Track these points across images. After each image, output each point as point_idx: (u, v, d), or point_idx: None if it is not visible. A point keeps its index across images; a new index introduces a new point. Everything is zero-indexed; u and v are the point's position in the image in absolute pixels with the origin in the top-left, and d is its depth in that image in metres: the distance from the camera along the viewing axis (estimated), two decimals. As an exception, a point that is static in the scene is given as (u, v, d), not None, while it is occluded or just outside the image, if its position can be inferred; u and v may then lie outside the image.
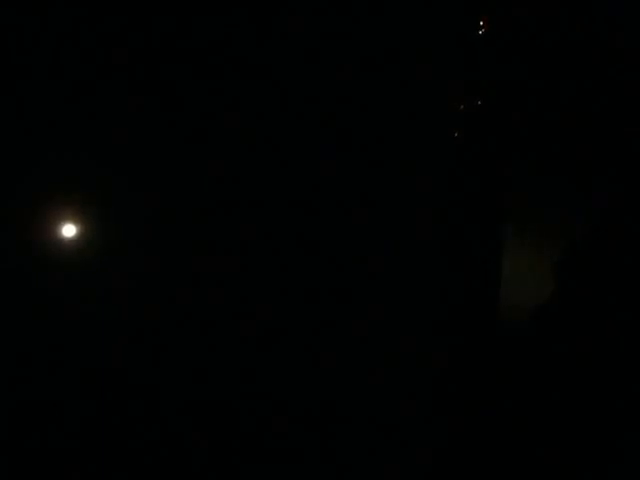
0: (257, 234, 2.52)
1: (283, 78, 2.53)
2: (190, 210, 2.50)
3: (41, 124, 2.44)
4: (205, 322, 2.49)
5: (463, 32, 2.52)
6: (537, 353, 2.37)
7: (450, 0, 2.52)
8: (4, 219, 2.42)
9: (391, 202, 2.53)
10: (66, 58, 2.44)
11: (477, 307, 2.48)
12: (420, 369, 2.45)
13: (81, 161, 2.47)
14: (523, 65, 2.53)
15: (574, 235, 2.47)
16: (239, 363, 2.49)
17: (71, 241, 2.47)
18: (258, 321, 2.50)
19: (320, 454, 2.45)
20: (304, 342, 2.49)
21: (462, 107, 2.53)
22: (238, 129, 2.52)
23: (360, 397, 2.47)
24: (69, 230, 2.46)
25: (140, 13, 2.48)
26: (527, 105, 2.55)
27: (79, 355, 2.45)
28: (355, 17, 2.54)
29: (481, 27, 2.51)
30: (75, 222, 2.47)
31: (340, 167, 2.54)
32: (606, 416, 2.24)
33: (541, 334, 2.39)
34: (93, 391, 2.44)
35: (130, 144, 2.48)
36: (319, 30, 2.54)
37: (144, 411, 2.46)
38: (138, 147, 2.49)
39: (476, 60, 2.53)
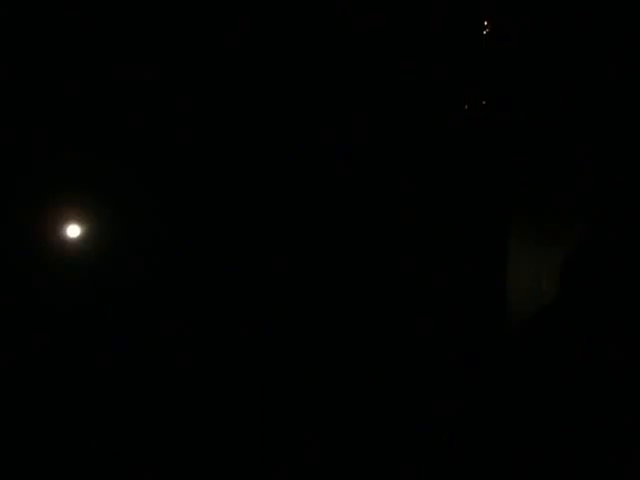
0: (259, 234, 2.52)
1: (284, 79, 2.52)
2: (194, 210, 2.50)
3: (43, 124, 2.42)
4: (208, 322, 2.49)
5: (466, 32, 2.52)
6: (539, 355, 2.40)
7: (453, 0, 2.51)
8: (6, 219, 2.41)
9: (391, 203, 2.54)
10: (69, 57, 2.42)
11: (478, 309, 2.50)
12: (421, 371, 2.48)
13: (83, 161, 2.45)
14: (525, 65, 2.54)
15: (575, 236, 2.49)
16: (240, 364, 2.50)
17: (74, 242, 2.45)
18: (260, 321, 2.51)
19: (320, 453, 2.48)
20: (304, 343, 2.51)
21: (464, 107, 2.53)
22: (240, 131, 2.51)
23: (360, 397, 2.49)
24: (73, 230, 2.45)
25: (140, 12, 2.45)
26: (528, 105, 2.55)
27: (80, 357, 2.45)
28: (356, 16, 2.52)
29: (485, 27, 2.51)
30: (78, 222, 2.46)
31: (341, 167, 2.53)
32: (610, 418, 2.28)
33: (543, 335, 2.42)
34: (96, 393, 2.45)
35: (133, 145, 2.47)
36: (319, 29, 2.52)
37: (145, 413, 2.47)
38: (141, 147, 2.48)
39: (479, 60, 2.53)
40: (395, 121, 2.54)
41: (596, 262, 2.44)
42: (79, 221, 2.47)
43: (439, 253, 2.53)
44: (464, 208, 2.55)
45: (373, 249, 2.53)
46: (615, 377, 2.31)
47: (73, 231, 2.46)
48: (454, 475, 2.42)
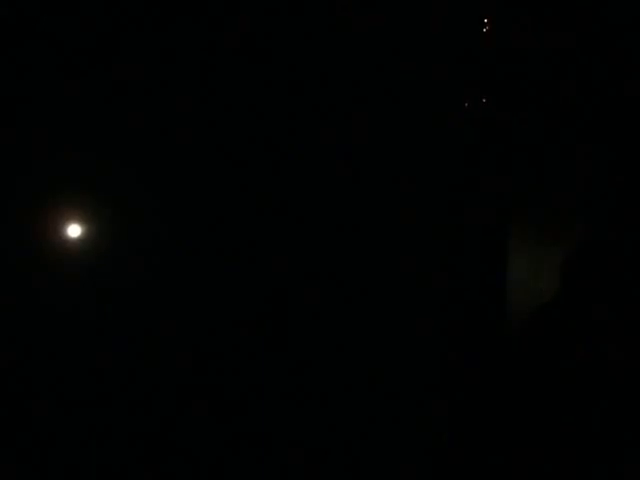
0: (259, 234, 2.52)
1: (284, 79, 2.52)
2: (194, 210, 2.50)
3: (43, 124, 2.42)
4: (208, 322, 2.50)
5: (466, 32, 2.52)
6: (539, 354, 2.40)
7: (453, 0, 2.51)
8: (6, 219, 2.41)
9: (391, 203, 2.54)
10: (69, 57, 2.42)
11: (478, 309, 2.50)
12: (421, 371, 2.48)
13: (83, 161, 2.45)
14: (525, 65, 2.54)
15: (575, 236, 2.49)
16: (240, 364, 2.50)
17: (74, 242, 2.45)
18: (260, 321, 2.51)
19: (320, 453, 2.48)
20: (304, 343, 2.51)
21: (464, 107, 2.53)
22: (240, 131, 2.51)
23: (360, 397, 2.49)
24: (73, 230, 2.45)
25: (140, 12, 2.45)
26: (528, 105, 2.55)
27: (80, 356, 2.45)
28: (356, 16, 2.52)
29: (484, 26, 2.51)
30: (78, 222, 2.46)
31: (341, 167, 2.53)
32: (610, 418, 2.28)
33: (543, 335, 2.42)
34: (96, 392, 2.45)
35: (133, 145, 2.47)
36: (319, 29, 2.52)
37: (145, 413, 2.47)
38: (141, 147, 2.48)
39: (479, 60, 2.53)
40: (395, 121, 2.54)
41: (596, 262, 2.44)
42: (79, 221, 2.47)
43: (439, 253, 2.53)
44: (464, 208, 2.55)
45: (373, 249, 2.53)
46: (615, 377, 2.32)
47: (73, 231, 2.47)
48: (454, 475, 2.42)
